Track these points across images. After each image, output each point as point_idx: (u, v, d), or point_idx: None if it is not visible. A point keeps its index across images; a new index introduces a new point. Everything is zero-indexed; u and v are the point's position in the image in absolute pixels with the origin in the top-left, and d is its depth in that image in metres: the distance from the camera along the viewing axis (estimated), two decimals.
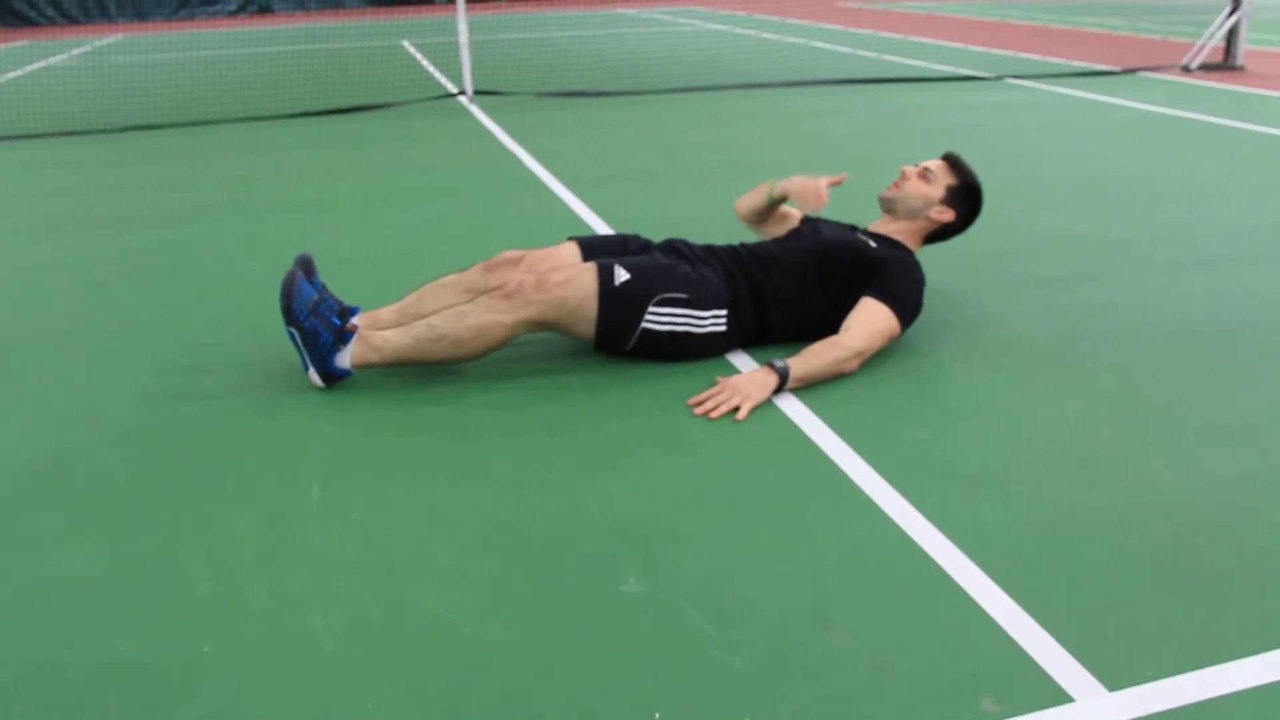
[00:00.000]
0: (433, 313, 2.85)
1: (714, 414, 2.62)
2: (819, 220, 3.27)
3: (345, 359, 2.76)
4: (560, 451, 2.47)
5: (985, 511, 2.18)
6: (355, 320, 2.81)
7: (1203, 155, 5.59)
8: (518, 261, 3.01)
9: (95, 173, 5.83)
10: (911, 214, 3.13)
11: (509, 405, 2.71)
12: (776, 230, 3.37)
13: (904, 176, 3.16)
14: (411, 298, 3.01)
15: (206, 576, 2.00)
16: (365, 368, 2.80)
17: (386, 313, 2.99)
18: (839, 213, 3.57)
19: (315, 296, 2.76)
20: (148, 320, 3.38)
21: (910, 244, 3.14)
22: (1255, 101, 7.31)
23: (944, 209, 3.12)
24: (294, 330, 2.73)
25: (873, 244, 3.03)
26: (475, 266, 3.03)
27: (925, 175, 3.14)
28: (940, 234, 3.19)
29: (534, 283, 2.78)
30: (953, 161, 3.17)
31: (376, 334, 2.80)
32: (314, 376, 2.78)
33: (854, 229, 3.20)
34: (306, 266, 2.85)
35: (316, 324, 2.72)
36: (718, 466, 2.40)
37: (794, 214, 3.41)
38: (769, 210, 3.37)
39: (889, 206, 3.17)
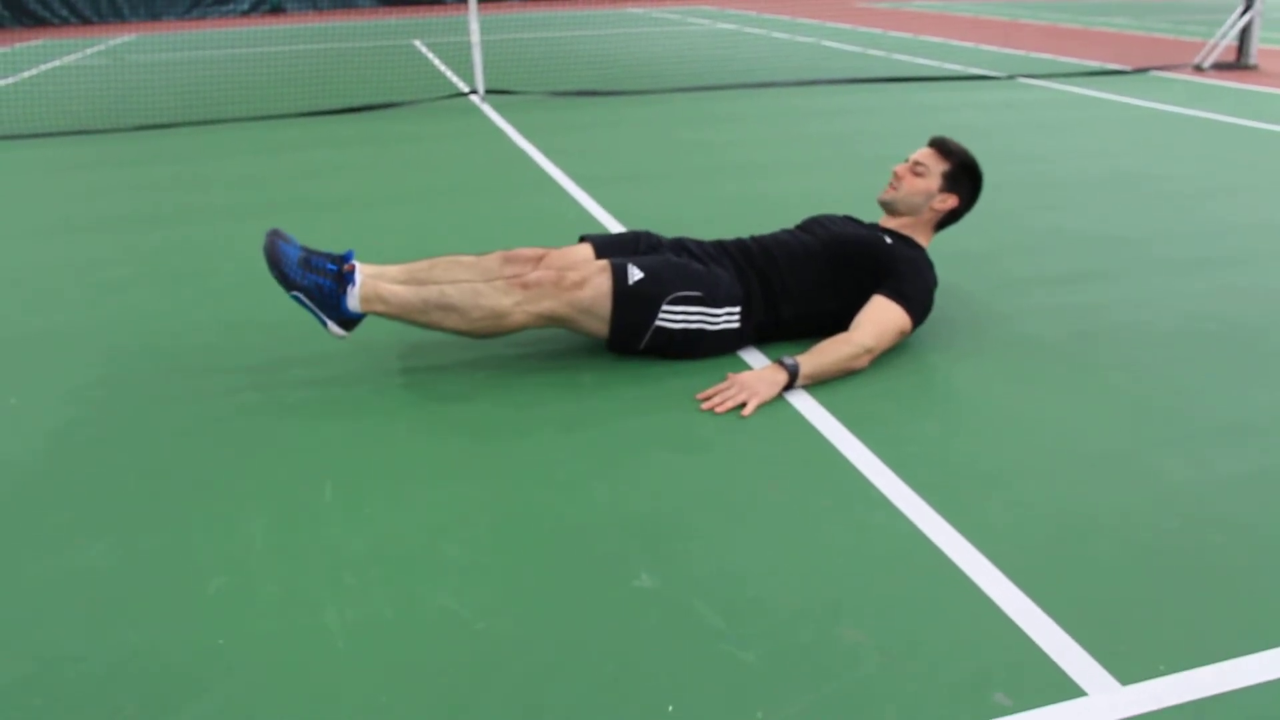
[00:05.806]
0: (446, 283, 2.84)
1: (720, 409, 2.62)
2: (828, 216, 3.25)
3: (354, 301, 2.75)
4: (572, 449, 2.48)
5: (997, 507, 2.18)
6: (353, 261, 2.79)
7: (1214, 154, 5.57)
8: (538, 260, 2.99)
9: (107, 172, 5.85)
10: (914, 210, 3.09)
11: (521, 403, 2.71)
12: None
13: (897, 177, 3.10)
14: (423, 264, 2.96)
15: (220, 572, 2.01)
16: (370, 314, 2.78)
17: (394, 270, 2.93)
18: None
19: (302, 253, 2.75)
20: (159, 319, 3.39)
21: (922, 238, 3.11)
22: (1268, 100, 7.28)
23: (945, 197, 3.07)
24: (297, 294, 2.73)
25: (888, 240, 3.02)
26: (495, 253, 3.01)
27: (917, 169, 3.08)
28: (949, 219, 3.14)
29: (553, 279, 2.78)
30: (941, 146, 3.10)
31: (386, 285, 2.78)
32: (334, 328, 2.77)
33: (869, 225, 3.17)
34: (278, 234, 2.79)
35: (315, 278, 2.71)
36: (729, 463, 2.40)
37: None
38: None
39: (890, 209, 3.13)
